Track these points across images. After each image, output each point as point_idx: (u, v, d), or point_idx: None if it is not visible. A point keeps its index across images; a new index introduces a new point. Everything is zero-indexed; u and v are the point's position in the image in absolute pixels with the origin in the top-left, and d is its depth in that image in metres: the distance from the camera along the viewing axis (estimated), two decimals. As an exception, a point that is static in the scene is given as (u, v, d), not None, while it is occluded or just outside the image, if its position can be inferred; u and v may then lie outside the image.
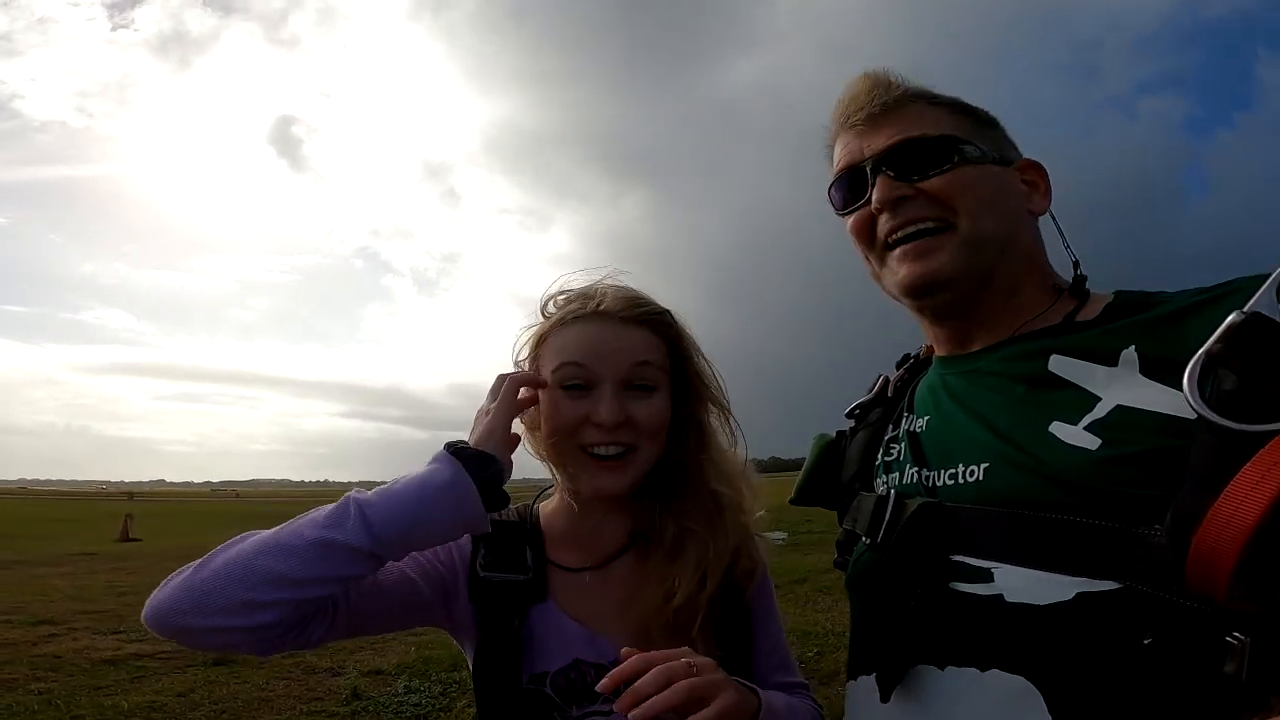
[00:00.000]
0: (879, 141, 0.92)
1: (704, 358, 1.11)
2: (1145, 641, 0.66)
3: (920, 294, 0.92)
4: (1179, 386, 0.67)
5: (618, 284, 1.10)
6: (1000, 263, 0.90)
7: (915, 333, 1.06)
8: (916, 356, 1.12)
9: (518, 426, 1.05)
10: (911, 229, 0.91)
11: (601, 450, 1.02)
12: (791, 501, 1.16)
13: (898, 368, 1.13)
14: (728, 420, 1.12)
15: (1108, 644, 0.68)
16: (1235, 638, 0.61)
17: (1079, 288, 0.92)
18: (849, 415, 1.15)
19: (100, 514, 31.91)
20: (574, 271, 1.12)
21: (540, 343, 1.09)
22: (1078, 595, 0.71)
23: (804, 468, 1.16)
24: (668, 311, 1.09)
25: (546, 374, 1.05)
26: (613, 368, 1.02)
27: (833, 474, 1.10)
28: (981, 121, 0.96)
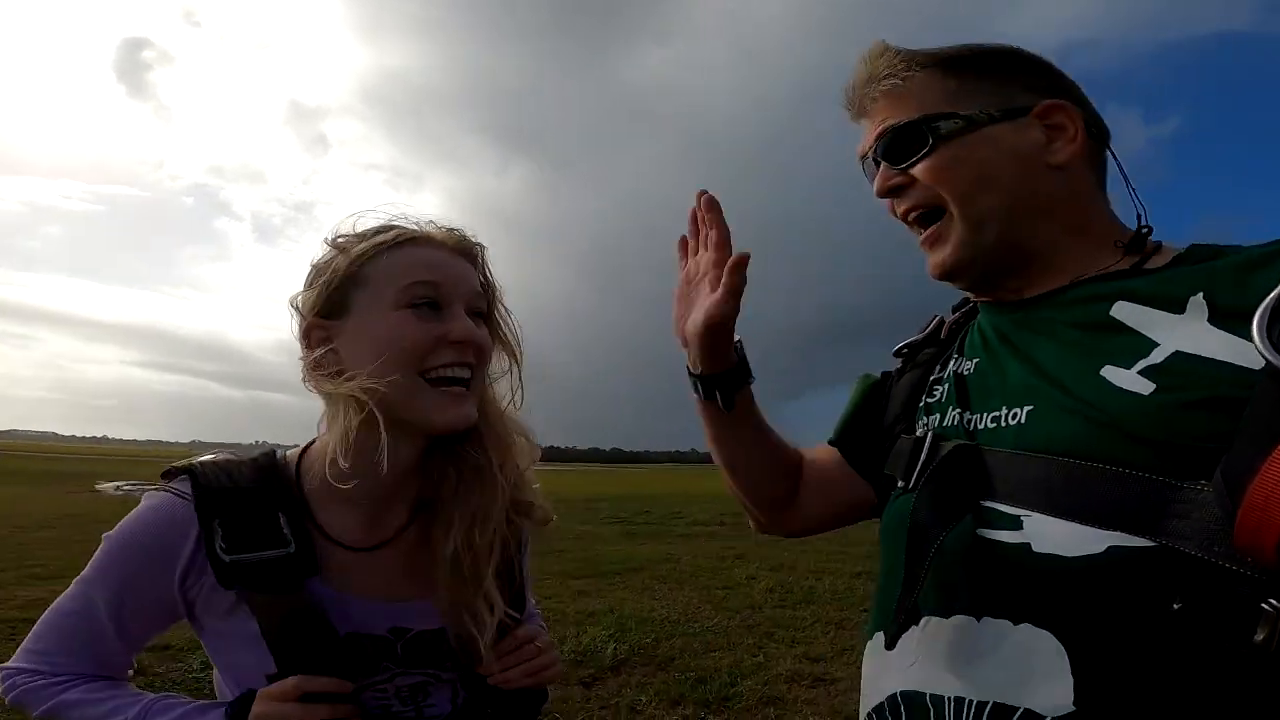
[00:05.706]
0: (872, 133, 0.92)
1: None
2: (1175, 606, 0.62)
3: (947, 280, 0.92)
4: (1248, 336, 0.63)
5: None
6: (1017, 233, 0.86)
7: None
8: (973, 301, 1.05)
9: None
10: (914, 214, 0.90)
11: (454, 372, 0.94)
12: (830, 442, 1.10)
13: (954, 310, 1.08)
14: (515, 370, 1.06)
15: (1135, 605, 0.65)
16: (1270, 604, 0.57)
17: (1140, 241, 0.88)
18: (896, 354, 1.09)
19: None
20: (363, 211, 1.01)
21: (354, 274, 0.94)
22: (1109, 549, 0.66)
23: (846, 407, 1.10)
24: (486, 248, 1.04)
25: (377, 306, 0.93)
26: (460, 289, 0.97)
27: (875, 415, 1.05)
28: (981, 72, 0.90)
